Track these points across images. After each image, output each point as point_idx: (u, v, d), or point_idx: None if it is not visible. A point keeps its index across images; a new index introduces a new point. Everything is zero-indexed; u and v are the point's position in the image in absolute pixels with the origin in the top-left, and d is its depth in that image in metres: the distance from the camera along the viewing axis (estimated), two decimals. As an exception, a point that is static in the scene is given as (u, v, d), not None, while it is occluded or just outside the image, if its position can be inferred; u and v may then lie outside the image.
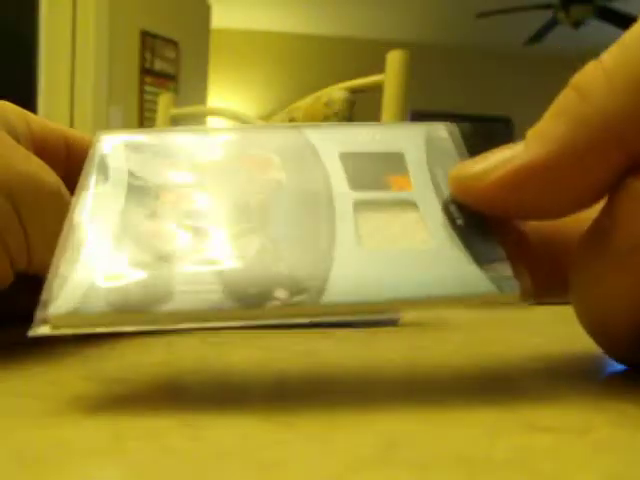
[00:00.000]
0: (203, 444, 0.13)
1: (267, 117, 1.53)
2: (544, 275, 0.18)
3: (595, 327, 0.17)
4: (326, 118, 1.02)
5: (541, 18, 3.83)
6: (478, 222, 0.17)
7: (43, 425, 0.14)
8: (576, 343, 0.24)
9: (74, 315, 0.15)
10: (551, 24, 3.86)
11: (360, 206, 0.18)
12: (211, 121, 3.57)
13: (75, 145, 0.28)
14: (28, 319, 0.29)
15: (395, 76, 1.03)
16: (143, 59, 3.01)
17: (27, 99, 2.60)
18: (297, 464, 0.12)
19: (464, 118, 5.04)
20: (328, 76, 2.55)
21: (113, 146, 0.20)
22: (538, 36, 4.01)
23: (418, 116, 4.81)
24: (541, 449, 0.12)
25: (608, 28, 3.89)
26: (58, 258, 0.16)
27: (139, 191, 0.18)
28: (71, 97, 2.76)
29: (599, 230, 0.16)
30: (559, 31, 3.95)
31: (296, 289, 0.15)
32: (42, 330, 0.15)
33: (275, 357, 0.21)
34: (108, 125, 2.79)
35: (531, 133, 0.16)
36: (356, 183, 0.18)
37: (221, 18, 4.03)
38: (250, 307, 0.15)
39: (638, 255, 0.15)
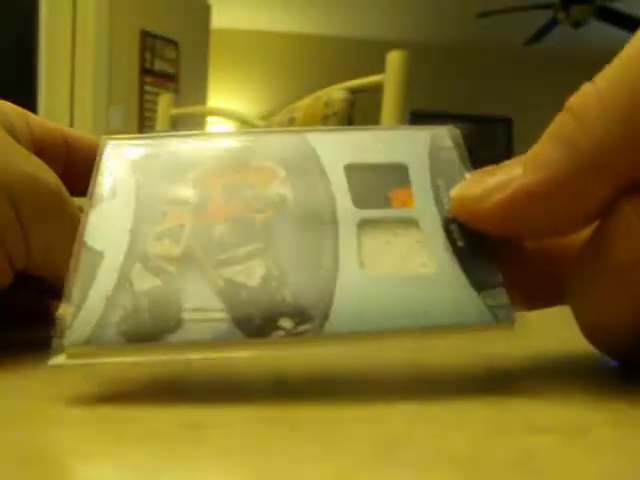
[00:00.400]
0: (203, 444, 0.13)
1: (267, 117, 1.53)
2: (544, 288, 0.19)
3: (596, 335, 0.18)
4: (326, 118, 1.02)
5: (541, 18, 3.83)
6: (478, 243, 0.18)
7: (43, 425, 0.14)
8: (575, 342, 0.24)
9: (87, 346, 0.15)
10: (551, 24, 3.86)
11: (363, 226, 0.18)
12: (211, 121, 3.57)
13: (75, 145, 0.28)
14: (28, 319, 0.29)
15: (395, 76, 1.03)
16: (143, 59, 3.01)
17: (27, 99, 2.60)
18: (297, 464, 0.12)
19: (464, 118, 5.04)
20: (328, 76, 2.55)
21: (119, 156, 0.20)
22: (538, 36, 4.01)
23: (418, 116, 4.81)
24: (541, 449, 0.12)
25: (608, 28, 3.89)
26: (71, 282, 0.16)
27: (146, 207, 0.18)
28: (71, 97, 2.76)
29: (594, 247, 0.17)
30: (559, 31, 3.95)
31: (300, 319, 0.16)
32: (59, 360, 0.16)
33: (275, 357, 0.21)
34: (108, 125, 2.79)
35: (530, 157, 0.17)
36: (360, 200, 0.19)
37: (221, 18, 4.03)
38: (256, 337, 0.16)
39: (632, 270, 0.16)
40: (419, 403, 0.16)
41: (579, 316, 0.18)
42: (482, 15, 3.82)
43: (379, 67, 1.06)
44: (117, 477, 0.11)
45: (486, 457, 0.12)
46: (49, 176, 0.22)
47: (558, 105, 0.18)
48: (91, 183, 0.19)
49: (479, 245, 0.18)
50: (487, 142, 5.08)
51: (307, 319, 0.16)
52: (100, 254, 0.17)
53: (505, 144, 5.04)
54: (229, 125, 3.20)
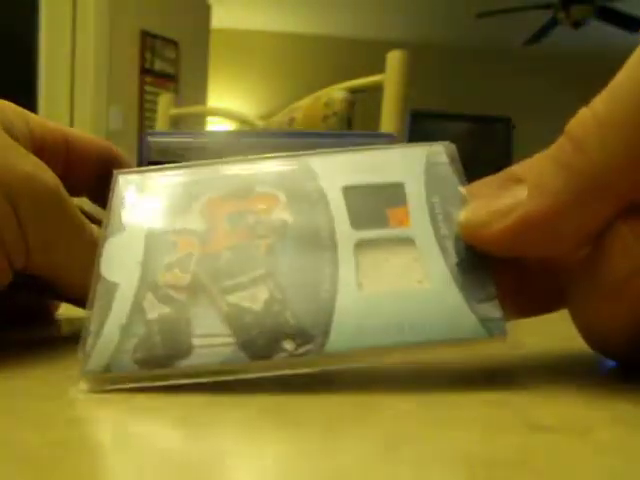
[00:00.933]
0: (203, 444, 0.13)
1: (267, 117, 1.53)
2: (542, 296, 0.20)
3: (593, 339, 0.19)
4: (326, 118, 1.02)
5: (541, 18, 3.83)
6: (473, 257, 0.19)
7: (43, 425, 0.14)
8: (575, 342, 0.24)
9: (105, 374, 0.17)
10: (551, 24, 3.86)
11: (361, 246, 0.19)
12: (211, 121, 3.57)
13: (74, 144, 0.28)
14: (28, 319, 0.29)
15: (395, 76, 1.03)
16: (143, 59, 3.00)
17: (27, 99, 2.60)
18: (297, 464, 0.12)
19: (464, 118, 5.04)
20: (328, 76, 2.55)
21: (129, 189, 0.21)
22: (538, 36, 4.01)
23: (418, 116, 4.81)
24: (541, 449, 0.12)
25: (608, 28, 3.89)
26: (89, 311, 0.18)
27: (156, 239, 0.19)
28: (71, 97, 2.76)
29: (591, 263, 0.17)
30: (559, 31, 3.95)
31: (302, 339, 0.17)
32: (81, 387, 0.17)
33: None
34: (108, 125, 2.79)
35: (532, 181, 0.17)
36: (358, 221, 0.19)
37: (221, 18, 4.03)
38: (260, 359, 0.17)
39: (626, 286, 0.17)
40: (419, 403, 0.16)
41: (577, 322, 0.19)
42: (482, 15, 3.82)
43: (379, 67, 1.06)
44: (117, 477, 0.11)
45: (486, 456, 0.12)
46: (48, 176, 0.22)
47: (558, 105, 0.18)
48: (104, 215, 0.20)
49: (474, 259, 0.18)
50: (487, 142, 5.08)
51: (309, 339, 0.17)
52: (115, 285, 0.18)
53: (505, 144, 5.04)
54: (229, 125, 3.20)
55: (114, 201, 0.20)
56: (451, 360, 0.21)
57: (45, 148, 0.26)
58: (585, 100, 0.18)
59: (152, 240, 0.19)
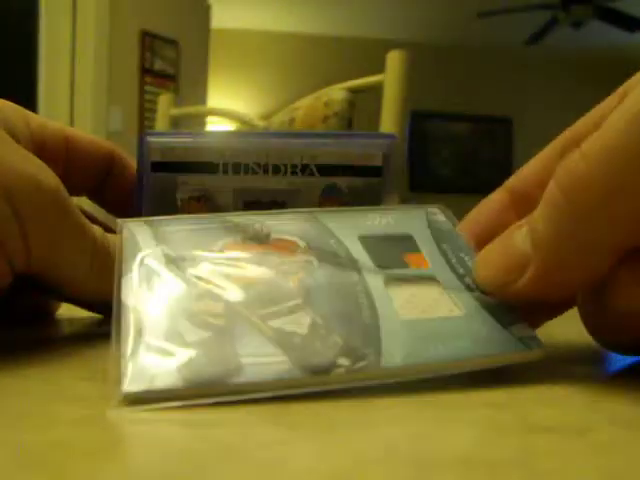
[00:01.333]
0: (203, 444, 0.13)
1: (267, 117, 1.53)
2: (547, 310, 0.22)
3: (600, 339, 0.20)
4: (326, 118, 1.02)
5: (541, 18, 3.83)
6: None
7: (43, 425, 0.14)
8: (575, 342, 0.24)
9: (149, 392, 0.15)
10: (551, 24, 3.86)
11: (389, 282, 0.19)
12: (211, 121, 3.57)
13: (75, 144, 0.28)
14: (28, 319, 0.29)
15: (395, 76, 1.03)
16: (143, 59, 3.00)
17: (27, 99, 2.60)
18: (297, 464, 0.12)
19: (464, 118, 5.04)
20: (328, 76, 2.55)
21: (142, 236, 0.20)
22: (538, 36, 4.01)
23: (418, 116, 4.81)
24: (541, 449, 0.12)
25: (608, 28, 3.89)
26: (116, 340, 0.17)
27: (180, 275, 0.19)
28: (71, 97, 2.76)
29: (596, 295, 0.18)
30: (559, 31, 3.95)
31: (355, 357, 0.17)
32: (121, 408, 0.15)
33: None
34: (108, 125, 2.79)
35: (534, 239, 0.18)
36: (380, 262, 0.20)
37: (221, 18, 4.03)
38: (318, 375, 0.16)
39: (628, 318, 0.18)
40: (419, 403, 0.16)
41: (586, 327, 0.20)
42: (482, 15, 3.82)
43: (379, 67, 1.06)
44: (117, 477, 0.11)
45: (486, 457, 0.12)
46: (49, 176, 0.22)
47: (558, 105, 0.18)
48: (116, 265, 0.19)
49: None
50: (487, 142, 5.08)
51: (362, 357, 0.17)
52: (141, 312, 0.17)
53: (505, 144, 5.04)
54: (229, 125, 3.20)
55: (126, 241, 0.20)
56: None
57: (45, 148, 0.26)
58: (585, 100, 0.18)
59: (175, 275, 0.19)
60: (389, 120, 1.02)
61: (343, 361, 0.17)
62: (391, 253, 0.21)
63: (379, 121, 1.03)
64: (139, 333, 0.17)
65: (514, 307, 0.19)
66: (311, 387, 0.16)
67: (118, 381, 0.15)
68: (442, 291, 0.19)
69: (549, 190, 0.18)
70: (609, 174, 0.16)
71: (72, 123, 2.70)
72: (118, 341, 0.16)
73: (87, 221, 0.23)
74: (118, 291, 0.18)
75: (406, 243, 0.21)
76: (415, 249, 0.21)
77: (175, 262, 0.19)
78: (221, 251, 0.20)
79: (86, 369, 0.19)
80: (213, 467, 0.11)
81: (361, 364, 0.17)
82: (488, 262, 0.19)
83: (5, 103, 0.24)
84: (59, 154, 0.27)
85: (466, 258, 0.21)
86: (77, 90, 2.75)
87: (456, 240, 0.21)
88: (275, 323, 0.17)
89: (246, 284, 0.18)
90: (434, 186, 4.87)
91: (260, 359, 0.16)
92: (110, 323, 0.17)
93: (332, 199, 0.31)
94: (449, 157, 5.03)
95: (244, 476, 0.11)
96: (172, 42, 3.13)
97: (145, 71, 3.02)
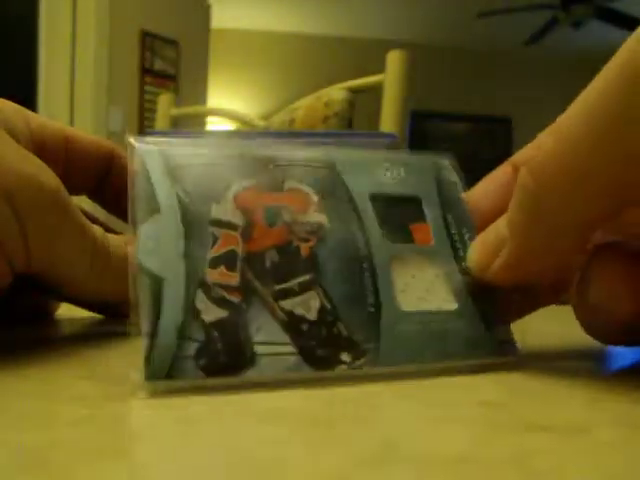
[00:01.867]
0: (203, 444, 0.13)
1: (267, 117, 1.53)
2: (536, 298, 0.23)
3: (593, 333, 0.21)
4: (326, 118, 1.02)
5: (541, 18, 3.83)
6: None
7: (43, 425, 0.14)
8: (575, 342, 0.24)
9: (168, 380, 0.16)
10: (551, 24, 3.85)
11: (394, 260, 0.20)
12: (211, 121, 3.57)
13: (75, 144, 0.28)
14: (28, 319, 0.29)
15: (395, 76, 1.03)
16: (143, 59, 3.00)
17: (27, 99, 2.60)
18: (297, 464, 0.12)
19: (464, 118, 5.04)
20: (328, 76, 2.55)
21: (153, 165, 0.19)
22: (538, 36, 4.01)
23: (418, 116, 4.81)
24: (540, 448, 0.12)
25: (608, 28, 3.89)
26: (135, 307, 0.17)
27: (195, 229, 0.18)
28: (71, 97, 2.76)
29: (578, 287, 0.20)
30: (559, 31, 3.95)
31: (356, 353, 0.18)
32: (141, 395, 0.16)
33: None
34: (108, 125, 2.79)
35: (509, 222, 0.19)
36: (388, 234, 0.21)
37: (221, 18, 4.03)
38: (322, 370, 0.17)
39: (600, 314, 0.19)
40: (418, 403, 0.16)
41: (579, 319, 0.20)
42: (482, 15, 3.82)
43: (379, 67, 1.06)
44: (117, 477, 0.11)
45: (486, 457, 0.12)
46: (49, 176, 0.22)
47: (558, 105, 0.18)
48: (129, 192, 0.18)
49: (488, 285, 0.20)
50: (487, 142, 5.08)
51: (362, 354, 0.18)
52: (160, 280, 0.17)
53: (505, 144, 5.04)
54: (229, 125, 3.20)
55: (138, 177, 0.19)
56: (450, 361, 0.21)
57: (45, 148, 0.26)
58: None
59: (190, 229, 0.18)
60: (389, 120, 1.02)
61: (345, 357, 0.18)
62: (399, 221, 0.21)
63: (379, 121, 1.03)
64: (157, 307, 0.17)
65: (500, 305, 0.20)
66: (314, 380, 0.17)
67: (137, 364, 0.16)
68: (438, 273, 0.20)
69: (521, 175, 0.18)
70: (575, 158, 0.17)
71: (72, 123, 2.70)
72: (137, 312, 0.16)
73: (87, 221, 0.23)
74: (134, 247, 0.17)
75: (414, 209, 0.22)
76: (421, 218, 0.21)
77: (190, 210, 0.18)
78: (237, 201, 0.19)
79: (86, 369, 0.19)
80: (213, 467, 0.11)
81: (361, 361, 0.18)
82: (477, 247, 0.21)
83: (5, 103, 0.24)
84: (59, 154, 0.27)
85: (466, 236, 0.21)
86: (77, 90, 2.75)
87: (460, 209, 0.22)
88: (287, 304, 0.18)
89: (261, 250, 0.19)
90: (434, 186, 4.86)
91: (272, 348, 0.17)
92: (110, 323, 0.17)
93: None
94: (449, 157, 5.02)
95: (244, 476, 0.11)
96: (172, 42, 3.13)
97: (145, 71, 3.02)
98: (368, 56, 3.04)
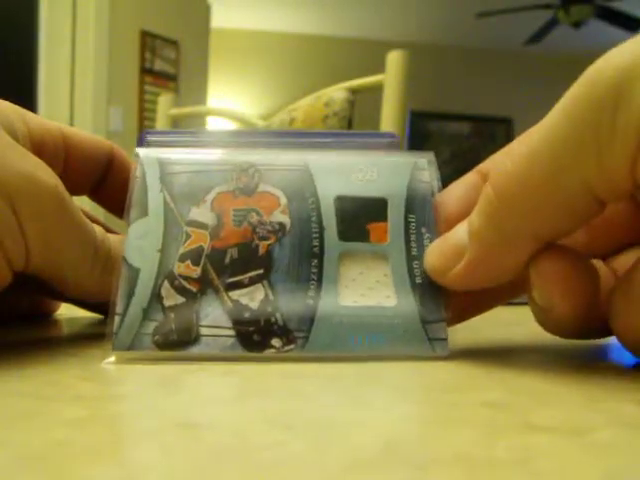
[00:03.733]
0: (202, 444, 0.13)
1: (267, 117, 1.53)
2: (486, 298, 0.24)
3: (547, 329, 0.22)
4: (326, 118, 1.02)
5: (541, 18, 3.83)
6: (431, 281, 0.22)
7: (43, 425, 0.14)
8: (575, 342, 0.24)
9: (129, 352, 0.20)
10: (551, 24, 3.85)
11: (344, 257, 0.22)
12: (211, 121, 3.57)
13: (74, 144, 0.28)
14: (27, 319, 0.29)
15: (395, 76, 1.03)
16: (143, 59, 3.00)
17: (27, 99, 2.60)
18: (297, 464, 0.12)
19: (464, 118, 5.04)
20: (328, 76, 2.55)
21: (151, 172, 0.23)
22: (538, 36, 4.01)
23: (418, 116, 4.81)
24: (541, 449, 0.12)
25: (608, 28, 3.89)
26: (115, 293, 0.21)
27: (173, 228, 0.22)
28: (71, 97, 2.76)
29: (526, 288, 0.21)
30: (559, 31, 3.95)
31: (286, 340, 0.20)
32: (110, 360, 0.20)
33: (273, 360, 0.21)
34: (108, 125, 2.79)
35: (471, 232, 0.21)
36: (344, 231, 0.23)
37: (221, 18, 4.03)
38: (253, 352, 0.20)
39: (546, 314, 0.21)
40: (418, 404, 0.16)
41: (534, 316, 0.22)
42: (482, 15, 3.82)
43: (379, 67, 1.06)
44: (117, 477, 0.11)
45: (486, 457, 0.12)
46: (48, 175, 0.22)
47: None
48: (127, 198, 0.22)
49: (433, 283, 0.22)
50: (487, 142, 5.08)
51: (292, 341, 0.20)
52: (137, 270, 0.21)
53: (505, 144, 5.03)
54: (229, 125, 3.20)
55: (136, 182, 0.23)
56: (450, 359, 0.21)
57: (44, 148, 0.26)
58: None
59: (169, 229, 0.22)
60: (389, 120, 1.02)
61: (276, 342, 0.20)
62: (358, 221, 0.23)
63: (379, 121, 1.03)
64: (130, 292, 0.21)
65: (442, 304, 0.22)
66: (247, 362, 0.20)
67: (111, 336, 0.20)
68: (387, 272, 0.22)
69: (484, 187, 0.20)
70: (529, 174, 0.18)
71: (72, 123, 2.70)
72: (115, 294, 0.21)
73: (87, 220, 0.23)
74: (123, 243, 0.22)
75: (376, 210, 0.23)
76: (382, 218, 0.23)
77: (172, 213, 0.22)
78: (214, 203, 0.22)
79: (86, 369, 0.19)
80: (212, 468, 0.11)
81: (289, 347, 0.20)
82: (435, 251, 0.22)
83: (4, 103, 0.24)
84: (58, 154, 0.27)
85: (425, 236, 0.23)
86: (77, 90, 2.75)
87: (425, 209, 0.23)
88: (234, 294, 0.21)
89: (224, 247, 0.22)
90: (434, 186, 4.86)
91: (214, 331, 0.20)
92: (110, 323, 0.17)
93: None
94: (449, 157, 5.03)
95: (243, 477, 0.11)
96: (172, 42, 3.13)
97: (145, 71, 3.02)
98: (368, 56, 3.04)
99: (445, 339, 0.21)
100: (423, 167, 0.24)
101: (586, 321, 0.20)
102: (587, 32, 4.04)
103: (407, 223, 0.23)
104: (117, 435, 0.13)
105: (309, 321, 0.21)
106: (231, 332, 0.20)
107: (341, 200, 0.23)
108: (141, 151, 0.23)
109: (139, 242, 0.21)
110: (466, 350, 0.23)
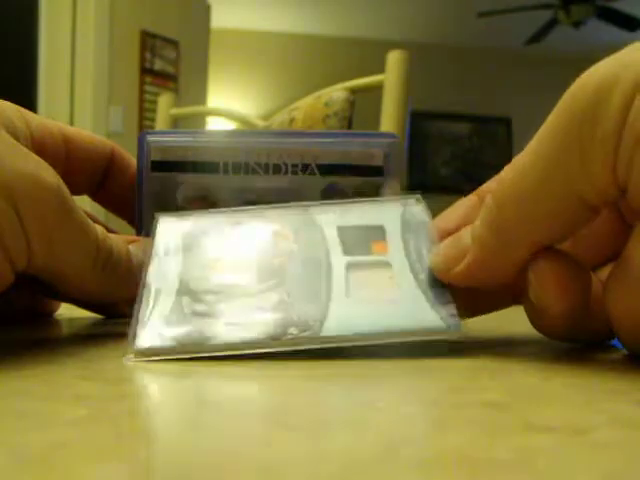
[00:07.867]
0: (202, 444, 0.13)
1: (267, 117, 1.53)
2: (491, 300, 0.26)
3: (538, 329, 0.23)
4: (326, 118, 1.02)
5: (541, 18, 3.83)
6: (434, 277, 0.23)
7: (43, 425, 0.14)
8: (574, 342, 0.24)
9: (150, 349, 0.21)
10: (551, 24, 3.85)
11: (350, 267, 0.24)
12: (211, 121, 3.57)
13: (74, 143, 0.28)
14: (27, 319, 0.29)
15: (395, 76, 1.03)
16: (143, 59, 3.00)
17: (27, 99, 2.60)
18: (297, 464, 0.12)
19: (464, 118, 5.04)
20: (328, 76, 2.55)
21: (170, 229, 0.26)
22: (538, 36, 4.01)
23: (418, 116, 4.81)
24: (541, 449, 0.12)
25: (608, 28, 3.89)
26: (137, 308, 0.22)
27: (191, 262, 0.24)
28: (71, 97, 2.76)
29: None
30: (559, 31, 3.95)
31: (303, 328, 0.22)
32: (131, 358, 0.20)
33: (274, 361, 0.21)
34: (108, 125, 2.79)
35: (473, 236, 0.22)
36: (348, 250, 0.25)
37: (221, 18, 4.03)
38: (273, 339, 0.21)
39: (540, 313, 0.22)
40: (418, 404, 0.16)
41: (527, 316, 0.23)
42: (482, 15, 3.82)
43: (379, 67, 1.06)
44: (117, 477, 0.11)
45: (486, 457, 0.12)
46: (50, 175, 0.22)
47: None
48: (148, 249, 0.25)
49: (435, 278, 0.23)
50: (487, 142, 5.08)
51: (308, 328, 0.22)
52: (159, 290, 0.23)
53: (505, 144, 5.04)
54: (229, 125, 3.20)
55: (158, 237, 0.25)
56: (450, 360, 0.21)
57: (45, 148, 0.26)
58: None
59: (188, 262, 0.24)
60: (389, 120, 1.02)
61: (293, 330, 0.22)
62: (360, 241, 0.25)
63: (379, 121, 1.03)
64: (153, 304, 0.22)
65: (447, 292, 0.23)
66: (267, 348, 0.21)
67: (134, 338, 0.21)
68: (391, 275, 0.24)
69: (488, 197, 0.22)
70: (521, 184, 0.20)
71: (72, 123, 2.70)
72: (139, 310, 0.22)
73: (89, 220, 0.23)
74: (144, 275, 0.23)
75: (376, 232, 0.25)
76: (381, 237, 0.25)
77: (189, 248, 0.25)
78: (228, 241, 0.25)
79: (86, 369, 0.19)
80: (212, 468, 0.11)
81: (305, 333, 0.21)
82: (440, 252, 0.24)
83: (5, 103, 0.24)
84: (59, 153, 0.27)
85: (423, 251, 0.24)
86: (77, 90, 2.75)
87: (421, 231, 0.25)
88: (251, 300, 0.23)
89: (240, 269, 0.24)
90: (434, 186, 4.86)
91: (233, 327, 0.21)
92: (110, 323, 0.17)
93: (333, 198, 0.31)
94: (449, 157, 5.03)
95: (243, 477, 0.11)
96: (172, 42, 3.12)
97: (145, 71, 3.02)
98: (368, 56, 3.04)
99: (456, 316, 0.22)
100: (412, 204, 0.27)
101: (578, 322, 0.22)
102: (587, 32, 4.04)
103: (405, 240, 0.25)
104: (117, 435, 0.13)
105: (323, 313, 0.22)
106: (250, 326, 0.22)
107: (342, 229, 0.25)
108: (162, 220, 0.26)
109: (160, 270, 0.24)
110: (466, 350, 0.23)
